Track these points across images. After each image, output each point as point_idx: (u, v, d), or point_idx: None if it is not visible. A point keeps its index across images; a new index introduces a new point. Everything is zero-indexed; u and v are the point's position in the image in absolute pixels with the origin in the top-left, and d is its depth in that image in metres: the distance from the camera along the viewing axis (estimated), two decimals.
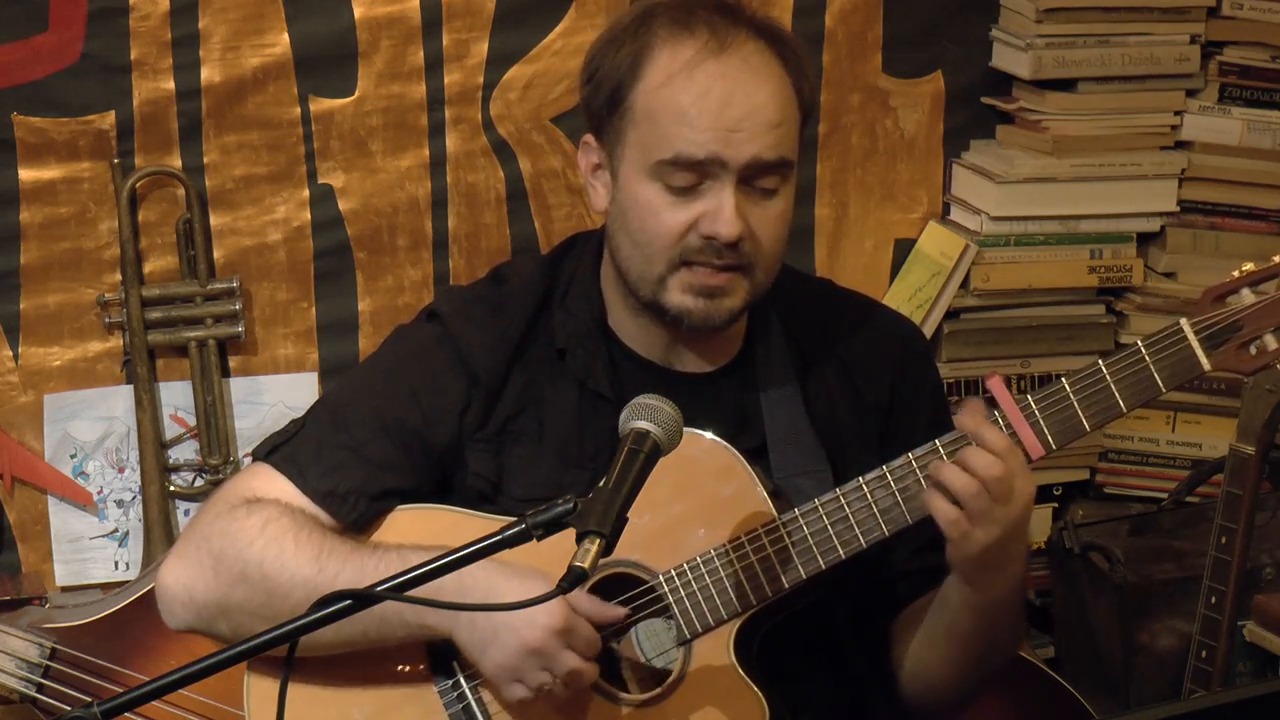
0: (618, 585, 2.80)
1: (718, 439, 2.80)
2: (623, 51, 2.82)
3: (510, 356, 2.92)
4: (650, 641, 2.84)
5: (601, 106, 2.84)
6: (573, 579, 2.42)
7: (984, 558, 2.70)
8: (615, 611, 2.78)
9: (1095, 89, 4.22)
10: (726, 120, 2.76)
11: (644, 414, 2.59)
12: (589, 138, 2.89)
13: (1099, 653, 4.12)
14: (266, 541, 2.82)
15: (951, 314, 4.24)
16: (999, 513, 2.66)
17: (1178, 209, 4.27)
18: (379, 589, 2.42)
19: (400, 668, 2.85)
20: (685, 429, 2.62)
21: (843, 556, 2.77)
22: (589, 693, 2.79)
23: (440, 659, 2.85)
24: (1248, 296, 2.71)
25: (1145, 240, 4.30)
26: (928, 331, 4.19)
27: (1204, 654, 3.68)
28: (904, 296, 4.24)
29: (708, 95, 2.77)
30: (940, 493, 2.68)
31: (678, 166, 2.77)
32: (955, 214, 4.29)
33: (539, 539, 2.48)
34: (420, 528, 2.86)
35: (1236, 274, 2.73)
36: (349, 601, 2.38)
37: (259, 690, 2.87)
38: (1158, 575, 4.05)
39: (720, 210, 2.77)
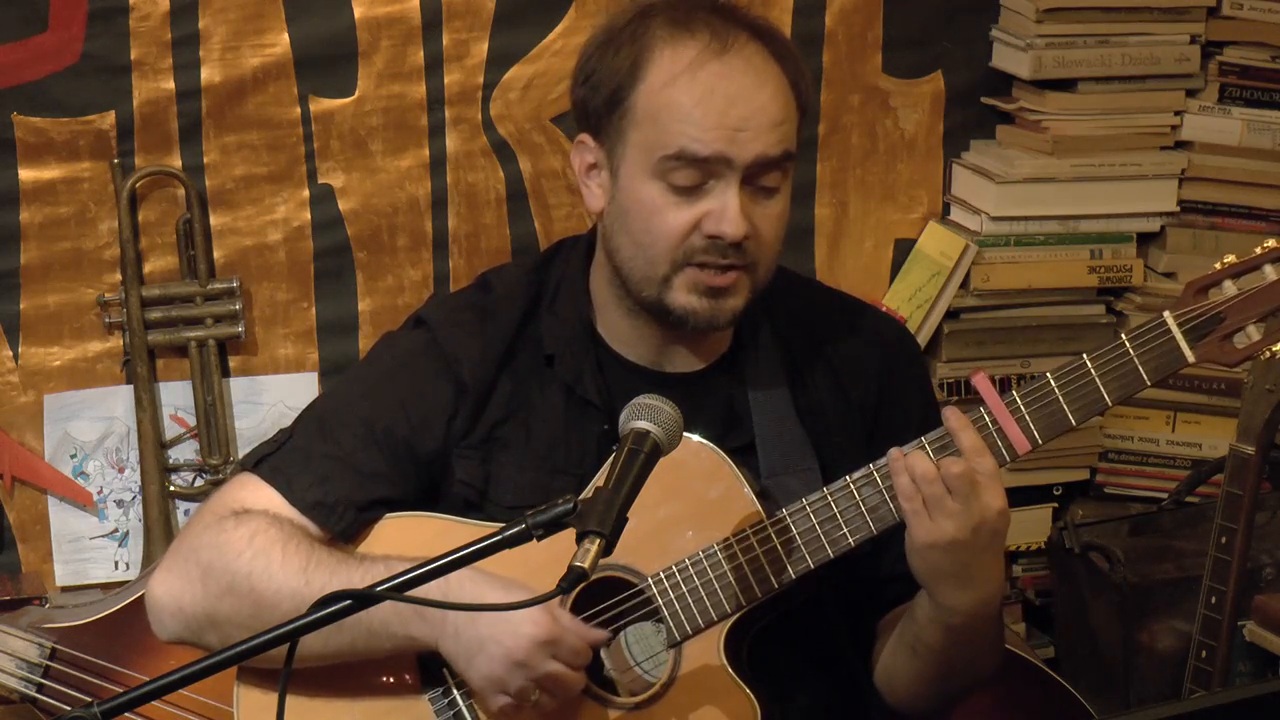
0: (606, 589, 2.80)
1: (704, 441, 2.80)
2: (622, 52, 2.82)
3: (498, 363, 2.91)
4: (639, 645, 2.83)
5: (600, 107, 2.83)
6: (573, 579, 2.42)
7: (942, 561, 2.70)
8: (597, 634, 2.77)
9: (1095, 89, 4.22)
10: (731, 119, 2.76)
11: (644, 414, 2.59)
12: (585, 137, 2.88)
13: (1099, 653, 4.12)
14: (254, 553, 2.82)
15: (951, 314, 4.24)
16: (951, 507, 2.67)
17: (1178, 209, 4.27)
18: (378, 589, 2.42)
19: (391, 677, 2.85)
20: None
21: (831, 555, 2.76)
22: (580, 698, 2.79)
23: (431, 668, 2.84)
24: (1230, 288, 2.71)
25: (1145, 240, 4.29)
26: (928, 331, 4.19)
27: (1204, 654, 3.68)
28: (904, 296, 4.24)
29: (712, 95, 2.77)
30: (906, 474, 2.70)
31: (681, 163, 2.77)
32: (955, 214, 4.29)
33: (539, 539, 2.48)
34: (408, 536, 2.86)
35: (1219, 265, 2.73)
36: (349, 602, 2.38)
37: (249, 701, 2.88)
38: (1158, 575, 4.05)
39: (725, 210, 2.77)
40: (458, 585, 2.68)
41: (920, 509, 2.68)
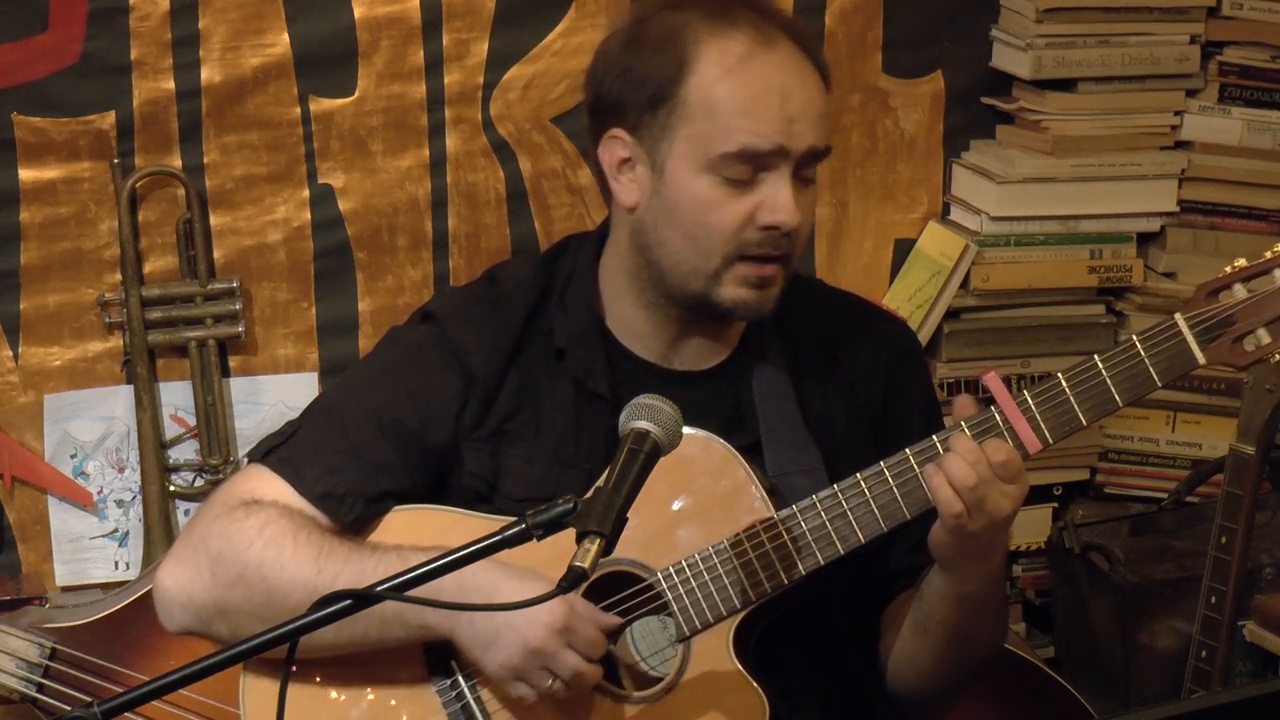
0: (615, 584, 2.80)
1: (713, 436, 2.80)
2: (664, 47, 2.82)
3: (507, 356, 2.92)
4: (645, 641, 2.83)
5: (642, 102, 2.82)
6: (573, 579, 2.42)
7: (966, 546, 2.71)
8: (610, 618, 2.78)
9: (1095, 89, 4.22)
10: (788, 111, 2.79)
11: (644, 414, 2.59)
12: (619, 132, 2.86)
13: (1099, 653, 4.13)
14: (265, 543, 2.82)
15: (951, 314, 4.24)
16: (996, 496, 2.68)
17: (1178, 209, 4.27)
18: (380, 589, 2.42)
19: (398, 668, 2.85)
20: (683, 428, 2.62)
21: (841, 552, 2.77)
22: (591, 692, 2.79)
23: (438, 658, 2.84)
24: (1240, 291, 2.73)
25: (1145, 240, 4.29)
26: (928, 331, 4.19)
27: (1204, 654, 3.68)
28: (904, 296, 4.24)
29: (770, 87, 2.79)
30: (943, 479, 2.69)
31: (740, 159, 2.79)
32: (955, 214, 4.30)
33: (539, 539, 2.48)
34: (417, 528, 2.85)
35: (1229, 269, 2.74)
36: (349, 601, 2.38)
37: (254, 690, 2.87)
38: (1158, 575, 4.05)
39: (779, 199, 2.80)
40: (471, 574, 2.67)
41: (965, 515, 2.69)
